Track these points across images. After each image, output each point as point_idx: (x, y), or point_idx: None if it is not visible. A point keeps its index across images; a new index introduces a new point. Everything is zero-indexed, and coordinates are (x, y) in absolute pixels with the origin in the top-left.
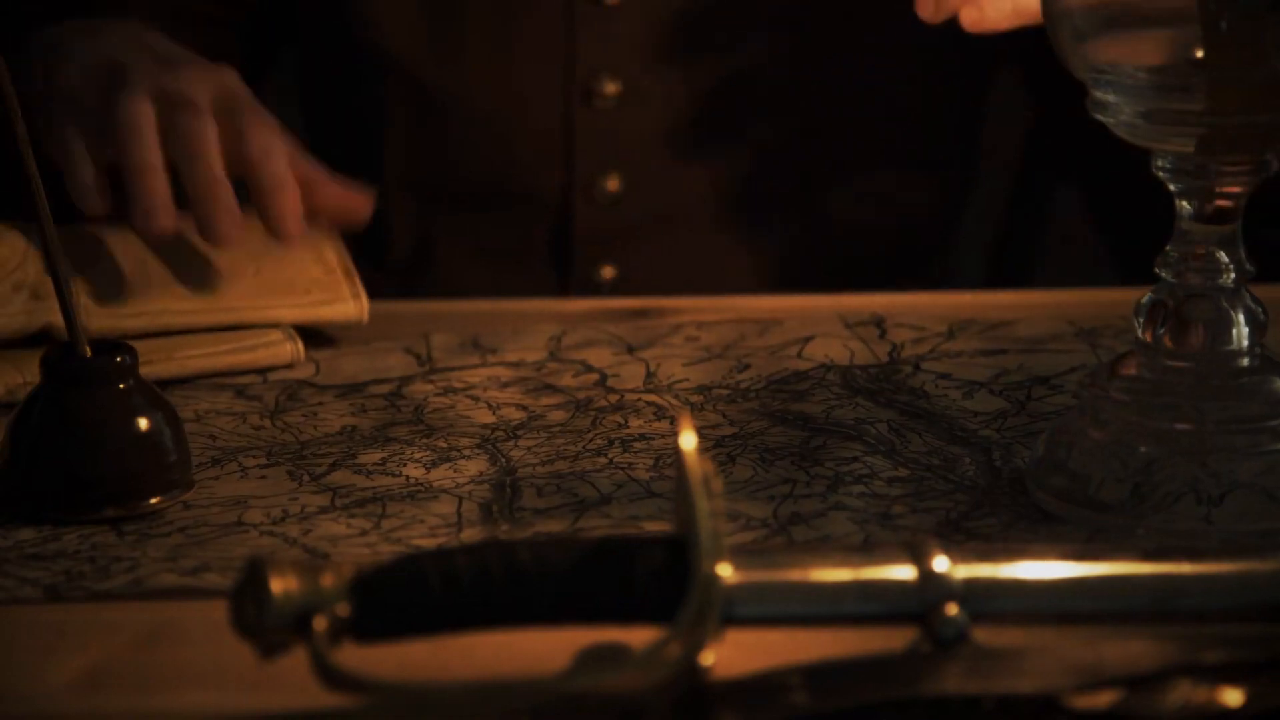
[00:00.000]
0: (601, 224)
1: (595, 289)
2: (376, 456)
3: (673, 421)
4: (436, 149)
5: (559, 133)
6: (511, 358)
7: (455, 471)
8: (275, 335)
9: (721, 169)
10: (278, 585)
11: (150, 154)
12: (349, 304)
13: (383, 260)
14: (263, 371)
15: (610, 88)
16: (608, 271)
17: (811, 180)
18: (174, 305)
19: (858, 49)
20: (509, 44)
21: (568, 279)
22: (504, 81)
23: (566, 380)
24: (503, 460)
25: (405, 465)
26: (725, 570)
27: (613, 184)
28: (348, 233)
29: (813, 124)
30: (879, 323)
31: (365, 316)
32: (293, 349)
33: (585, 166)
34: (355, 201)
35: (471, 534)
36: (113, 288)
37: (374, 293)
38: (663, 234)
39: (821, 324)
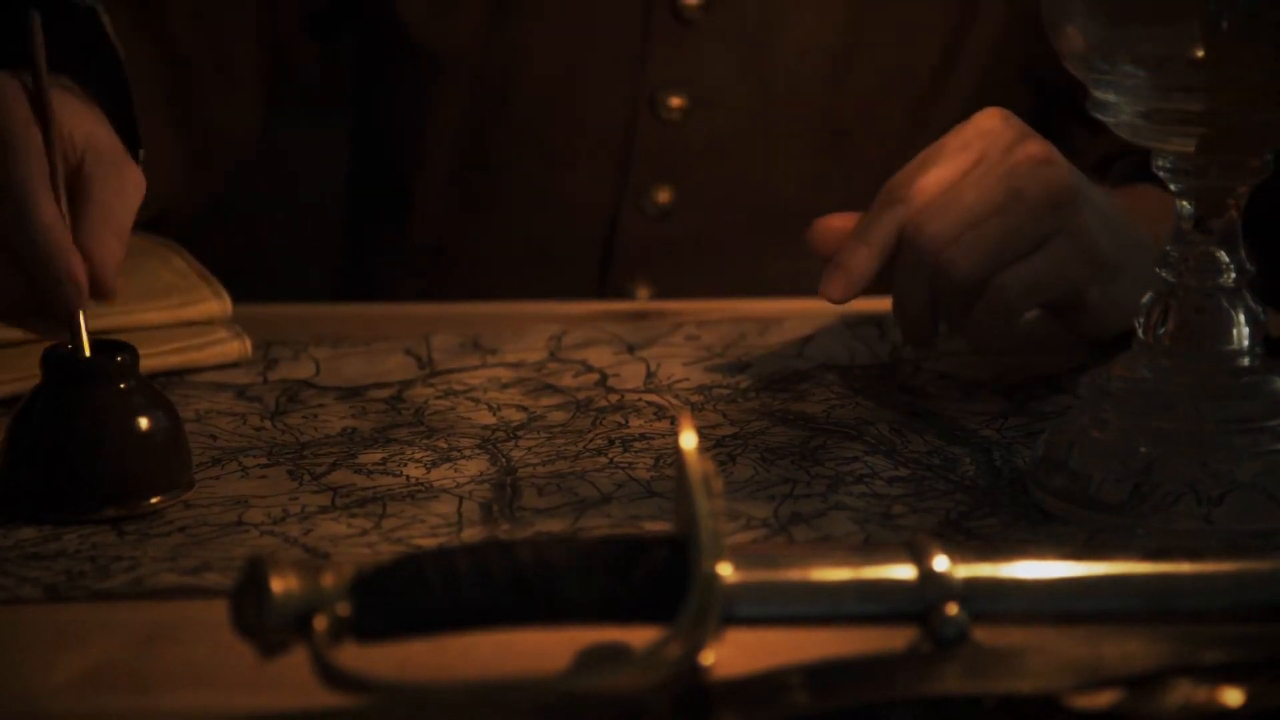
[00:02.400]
0: (645, 236)
1: None
2: (377, 456)
3: (673, 421)
4: (490, 146)
5: (619, 140)
6: (512, 358)
7: (456, 471)
8: (221, 333)
9: (774, 188)
10: (278, 585)
11: None
12: (211, 302)
13: (411, 256)
14: (218, 368)
15: (676, 100)
16: (643, 292)
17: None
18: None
19: (925, 77)
20: (582, 51)
21: (601, 293)
22: (571, 87)
23: (567, 380)
24: (503, 460)
25: (405, 465)
26: (725, 570)
27: (664, 195)
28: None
29: (872, 150)
30: (879, 323)
31: (229, 312)
32: (240, 346)
33: (639, 176)
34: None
35: (472, 534)
36: None
37: (398, 292)
38: (704, 253)
39: (821, 324)
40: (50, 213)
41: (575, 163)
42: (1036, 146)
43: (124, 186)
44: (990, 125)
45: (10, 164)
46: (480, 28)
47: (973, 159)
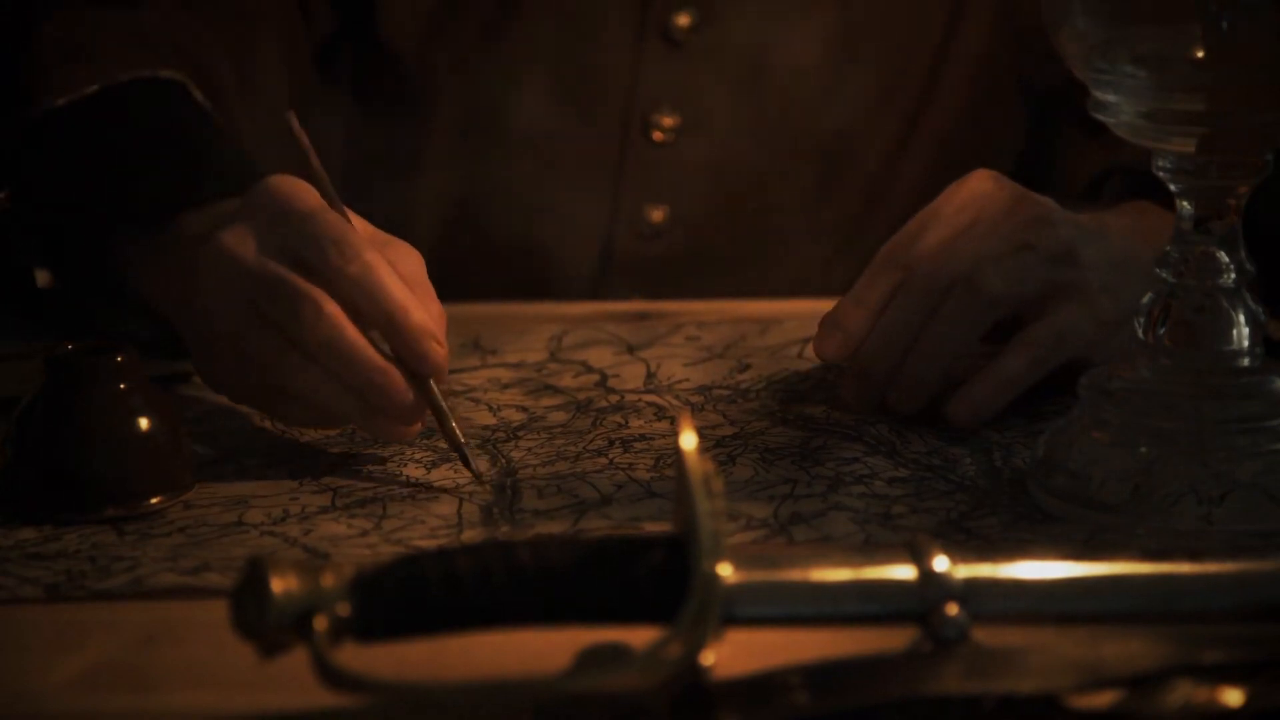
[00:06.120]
0: (639, 255)
1: None
2: (377, 457)
3: (673, 422)
4: (484, 167)
5: (612, 161)
6: (512, 359)
7: (456, 472)
8: None
9: (766, 206)
10: (278, 585)
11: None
12: None
13: None
14: None
15: (668, 120)
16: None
17: (854, 224)
18: None
19: (915, 91)
20: (572, 73)
21: None
22: (562, 108)
23: (567, 381)
24: (503, 461)
25: (406, 465)
26: (725, 570)
27: (658, 215)
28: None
29: (863, 166)
30: None
31: None
32: None
33: (632, 196)
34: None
35: (472, 535)
36: None
37: None
38: (698, 271)
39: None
40: (393, 274)
41: (568, 183)
42: (1035, 206)
43: (411, 254)
44: (984, 188)
45: (345, 243)
46: (470, 51)
47: (970, 220)
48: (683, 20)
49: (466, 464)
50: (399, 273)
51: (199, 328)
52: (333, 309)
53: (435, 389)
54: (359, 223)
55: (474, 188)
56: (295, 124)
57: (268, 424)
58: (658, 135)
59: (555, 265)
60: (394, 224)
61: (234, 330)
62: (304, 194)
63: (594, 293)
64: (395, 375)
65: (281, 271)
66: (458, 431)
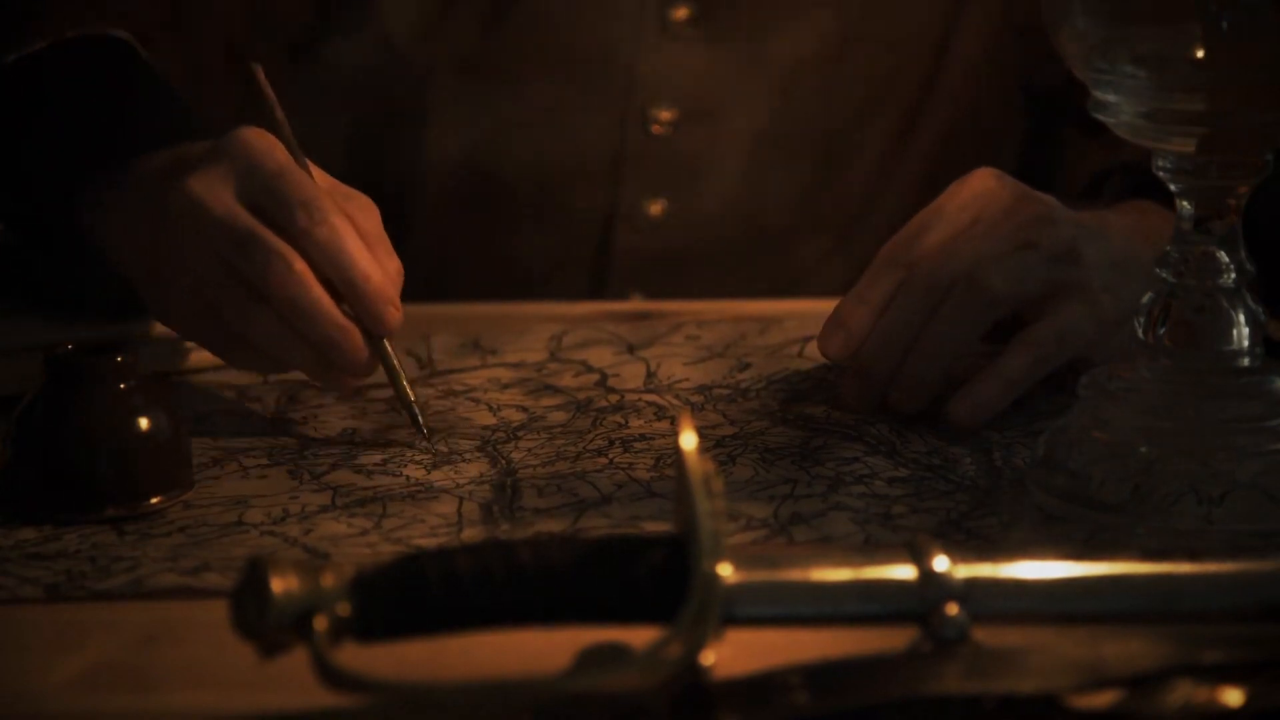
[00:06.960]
0: (638, 249)
1: None
2: (377, 457)
3: (673, 421)
4: (483, 160)
5: (610, 154)
6: (512, 358)
7: (456, 472)
8: None
9: (765, 200)
10: (278, 585)
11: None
12: None
13: (405, 268)
14: (219, 369)
15: (666, 113)
16: (637, 302)
17: (853, 223)
18: None
19: (914, 87)
20: (570, 66)
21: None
22: (561, 101)
23: (567, 380)
24: (503, 461)
25: (406, 465)
26: (725, 570)
27: (656, 208)
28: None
29: (863, 165)
30: None
31: None
32: None
33: (631, 189)
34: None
35: (472, 534)
36: None
37: None
38: (697, 264)
39: (822, 324)
40: (356, 237)
41: (567, 176)
42: (1037, 205)
43: (370, 209)
44: (986, 186)
45: (313, 206)
46: (469, 47)
47: (972, 218)
48: (681, 13)
49: (415, 423)
50: (359, 228)
51: (159, 268)
52: (301, 267)
53: (389, 349)
54: (320, 175)
55: (475, 180)
56: (260, 76)
57: (268, 424)
58: (656, 128)
59: (555, 258)
60: (395, 218)
61: (198, 276)
62: (274, 150)
63: (593, 288)
64: (354, 334)
65: (253, 225)
66: (409, 390)
